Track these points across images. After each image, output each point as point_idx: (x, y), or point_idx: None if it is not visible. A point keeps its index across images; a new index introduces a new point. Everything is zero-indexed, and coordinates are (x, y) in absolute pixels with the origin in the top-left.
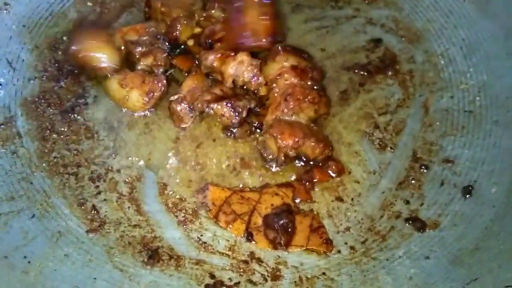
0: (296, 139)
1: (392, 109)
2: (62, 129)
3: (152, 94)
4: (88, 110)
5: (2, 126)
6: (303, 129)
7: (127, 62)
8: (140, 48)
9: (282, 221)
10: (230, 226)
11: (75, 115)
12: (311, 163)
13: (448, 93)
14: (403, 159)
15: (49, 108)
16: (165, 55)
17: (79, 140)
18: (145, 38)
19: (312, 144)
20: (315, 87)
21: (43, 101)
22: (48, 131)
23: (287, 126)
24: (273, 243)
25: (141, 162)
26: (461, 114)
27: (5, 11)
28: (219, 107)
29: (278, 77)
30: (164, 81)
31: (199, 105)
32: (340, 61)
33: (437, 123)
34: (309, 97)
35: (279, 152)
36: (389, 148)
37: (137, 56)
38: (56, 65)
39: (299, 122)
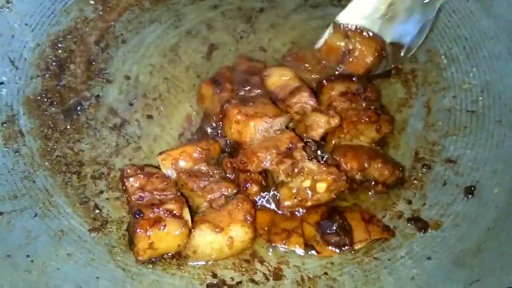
0: (361, 161)
1: (395, 108)
2: (65, 127)
3: None
4: (91, 109)
5: (5, 124)
6: (367, 151)
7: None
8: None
9: (337, 223)
10: (288, 242)
11: (78, 113)
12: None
13: (450, 93)
14: (406, 158)
15: (51, 107)
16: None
17: (81, 139)
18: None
19: (380, 165)
20: (371, 107)
21: (45, 99)
22: (50, 130)
23: (350, 149)
24: (337, 246)
25: (144, 161)
26: (463, 114)
27: (7, 10)
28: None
29: (328, 108)
30: None
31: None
32: None
33: (440, 123)
34: (364, 117)
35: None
36: (392, 148)
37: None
38: (58, 63)
39: (361, 145)
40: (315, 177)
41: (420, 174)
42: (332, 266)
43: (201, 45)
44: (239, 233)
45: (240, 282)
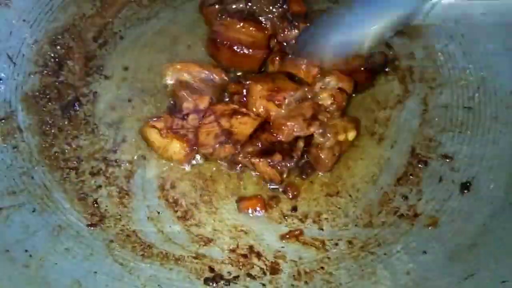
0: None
1: (392, 105)
2: (63, 124)
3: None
4: (89, 105)
5: (3, 121)
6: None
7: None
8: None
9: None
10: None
11: (76, 110)
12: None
13: (447, 89)
14: (402, 154)
15: (49, 103)
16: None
17: (79, 135)
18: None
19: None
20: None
21: (43, 96)
22: (48, 126)
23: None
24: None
25: (142, 157)
26: (460, 110)
27: (5, 6)
28: (260, 163)
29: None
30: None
31: (239, 159)
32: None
33: (436, 119)
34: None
35: None
36: (388, 144)
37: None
38: (57, 60)
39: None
40: (345, 128)
41: (416, 170)
42: (328, 260)
43: (199, 40)
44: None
45: (237, 277)
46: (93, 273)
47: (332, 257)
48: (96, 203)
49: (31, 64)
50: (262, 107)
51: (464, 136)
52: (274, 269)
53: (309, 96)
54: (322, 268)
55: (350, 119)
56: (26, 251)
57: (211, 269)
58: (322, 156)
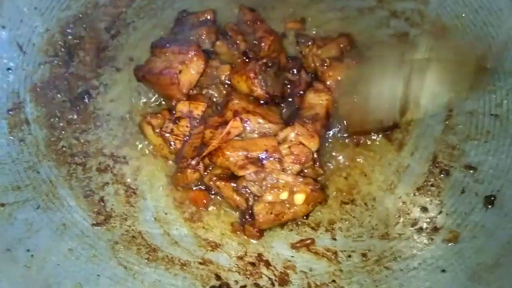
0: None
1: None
2: (71, 117)
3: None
4: (99, 98)
5: (11, 112)
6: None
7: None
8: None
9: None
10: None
11: (85, 103)
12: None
13: (474, 94)
14: (423, 162)
15: (58, 95)
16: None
17: (88, 129)
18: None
19: None
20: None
21: (52, 87)
22: (57, 119)
23: None
24: None
25: (151, 153)
26: (486, 117)
27: None
28: (225, 187)
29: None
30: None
31: (206, 181)
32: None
33: (461, 126)
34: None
35: None
36: (408, 150)
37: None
38: (67, 50)
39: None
40: (292, 189)
41: (437, 180)
42: (341, 273)
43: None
44: None
45: (244, 286)
46: (96, 276)
47: (344, 270)
48: (102, 201)
49: (41, 53)
50: (230, 115)
51: (490, 146)
52: (283, 280)
53: (278, 140)
54: (334, 281)
55: (312, 183)
56: (28, 250)
57: (218, 277)
58: (254, 210)
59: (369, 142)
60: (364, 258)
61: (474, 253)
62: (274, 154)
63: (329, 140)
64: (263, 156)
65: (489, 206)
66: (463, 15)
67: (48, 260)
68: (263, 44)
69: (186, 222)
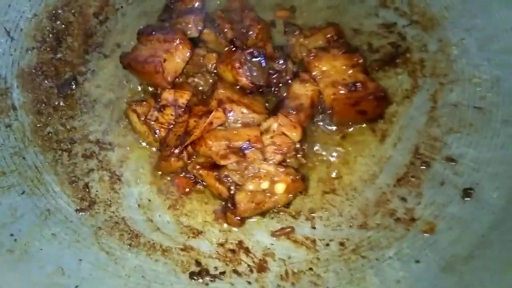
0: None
1: (399, 100)
2: (58, 103)
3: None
4: (86, 84)
5: None
6: None
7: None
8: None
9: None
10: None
11: (72, 89)
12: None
13: (458, 87)
14: (405, 154)
15: (46, 81)
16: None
17: (74, 115)
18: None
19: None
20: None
21: (40, 73)
22: (43, 105)
23: None
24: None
25: (136, 140)
26: (470, 110)
27: None
28: (208, 175)
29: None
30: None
31: (189, 169)
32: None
33: (444, 118)
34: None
35: None
36: (391, 141)
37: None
38: (55, 35)
39: None
40: (273, 179)
41: (418, 172)
42: (318, 262)
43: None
44: None
45: (223, 272)
46: (78, 260)
47: (322, 258)
48: (87, 187)
49: (29, 39)
50: (215, 105)
51: (472, 139)
52: (262, 267)
53: (261, 130)
54: (311, 269)
55: (293, 173)
56: (12, 235)
57: (198, 263)
58: (236, 198)
59: (353, 133)
60: (341, 247)
61: (449, 244)
62: (256, 144)
63: (314, 130)
64: (245, 146)
65: (467, 199)
66: (452, 6)
67: (31, 244)
68: (251, 32)
69: (169, 209)
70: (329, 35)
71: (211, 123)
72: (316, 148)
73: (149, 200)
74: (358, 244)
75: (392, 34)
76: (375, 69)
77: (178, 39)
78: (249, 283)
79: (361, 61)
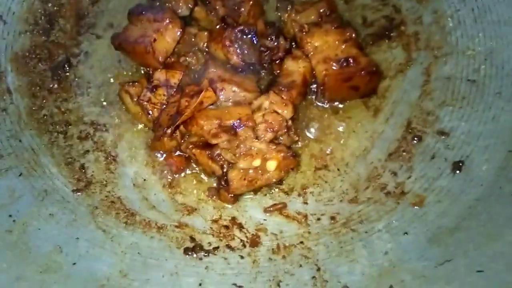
0: None
1: (392, 74)
2: (52, 86)
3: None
4: (79, 66)
5: None
6: None
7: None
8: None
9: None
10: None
11: (66, 71)
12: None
13: (452, 59)
14: (397, 128)
15: (39, 64)
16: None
17: (69, 97)
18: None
19: None
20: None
21: (33, 56)
22: (38, 88)
23: None
24: None
25: (130, 121)
26: (463, 83)
27: None
28: (200, 154)
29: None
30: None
31: (182, 148)
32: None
33: (437, 91)
34: None
35: None
36: (384, 116)
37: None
38: (48, 18)
39: None
40: (265, 156)
41: (409, 146)
42: (309, 235)
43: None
44: None
45: (217, 248)
46: (75, 239)
47: (313, 232)
48: (83, 168)
49: (21, 22)
50: (207, 84)
51: (464, 112)
52: (254, 242)
53: (253, 109)
54: (302, 242)
55: (284, 150)
56: (10, 216)
57: (192, 239)
58: (229, 176)
59: (346, 109)
60: (332, 221)
61: (437, 217)
62: (247, 123)
63: (306, 106)
64: (237, 125)
65: (457, 172)
66: None
67: (29, 224)
68: (242, 9)
69: (164, 188)
70: (321, 10)
71: (201, 102)
72: (308, 125)
73: (144, 180)
74: (349, 218)
75: (386, 7)
76: (369, 43)
77: (168, 19)
78: (242, 257)
79: (354, 35)
